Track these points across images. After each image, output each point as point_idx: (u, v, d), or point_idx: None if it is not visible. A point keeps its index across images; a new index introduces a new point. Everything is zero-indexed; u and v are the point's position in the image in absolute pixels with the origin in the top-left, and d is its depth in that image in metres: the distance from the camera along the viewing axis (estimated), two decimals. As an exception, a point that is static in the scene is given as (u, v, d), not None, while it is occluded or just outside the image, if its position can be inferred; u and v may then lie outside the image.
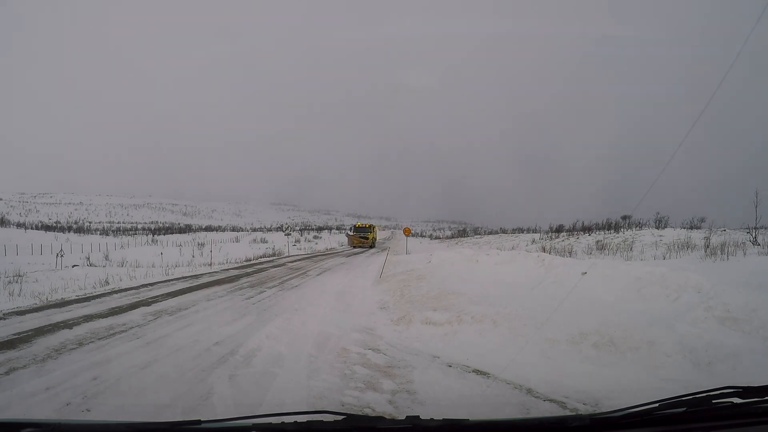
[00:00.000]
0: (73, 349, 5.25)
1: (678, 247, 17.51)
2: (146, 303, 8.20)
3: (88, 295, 9.12)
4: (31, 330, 6.10)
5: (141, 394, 3.99)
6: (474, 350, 5.48)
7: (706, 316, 6.32)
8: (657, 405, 1.59)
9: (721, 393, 1.61)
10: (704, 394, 1.62)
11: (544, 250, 23.58)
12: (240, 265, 18.78)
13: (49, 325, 6.43)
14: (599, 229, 30.61)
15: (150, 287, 10.43)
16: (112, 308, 7.69)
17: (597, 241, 26.22)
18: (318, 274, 14.68)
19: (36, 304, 8.32)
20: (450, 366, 4.98)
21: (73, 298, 8.86)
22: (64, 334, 5.89)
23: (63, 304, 8.17)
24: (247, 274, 14.01)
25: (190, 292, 9.74)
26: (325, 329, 6.48)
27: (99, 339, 5.70)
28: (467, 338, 5.86)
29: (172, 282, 11.57)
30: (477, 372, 4.77)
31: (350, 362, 4.98)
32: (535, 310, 6.66)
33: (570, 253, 21.66)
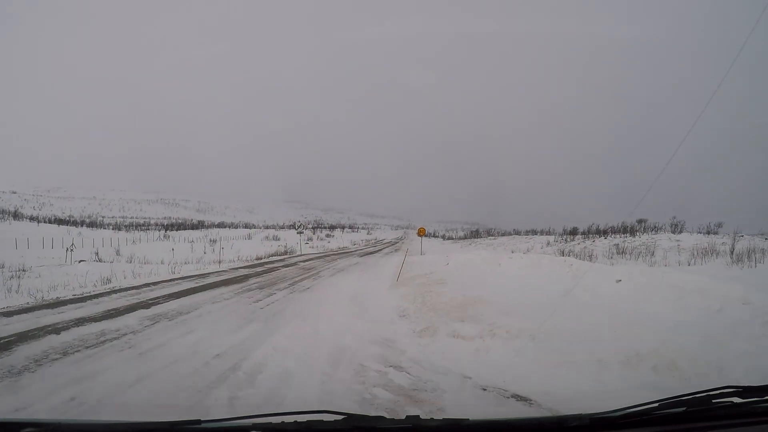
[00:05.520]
0: (56, 359, 4.63)
1: (701, 252, 16.89)
2: (146, 305, 7.57)
3: (85, 295, 8.54)
4: (14, 335, 5.50)
5: (127, 416, 3.38)
6: (511, 371, 4.73)
7: (764, 333, 5.55)
8: (657, 405, 1.58)
9: (721, 393, 1.60)
10: (704, 394, 1.60)
11: (563, 253, 22.78)
12: (250, 263, 18.21)
13: (36, 329, 5.83)
14: (614, 233, 30.05)
15: (152, 287, 9.83)
16: (108, 310, 7.07)
17: (615, 245, 25.48)
18: (331, 275, 14.01)
19: (29, 303, 7.76)
20: (485, 389, 4.24)
21: (69, 297, 8.29)
22: (49, 341, 5.27)
23: (57, 304, 7.58)
24: (257, 274, 13.38)
25: (194, 293, 9.10)
26: (340, 340, 5.78)
27: (86, 348, 5.07)
28: (502, 356, 5.12)
29: (177, 281, 10.97)
30: (517, 397, 4.02)
31: (369, 383, 4.26)
32: (574, 324, 5.91)
33: (590, 257, 20.93)
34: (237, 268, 15.28)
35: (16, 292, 9.55)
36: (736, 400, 1.58)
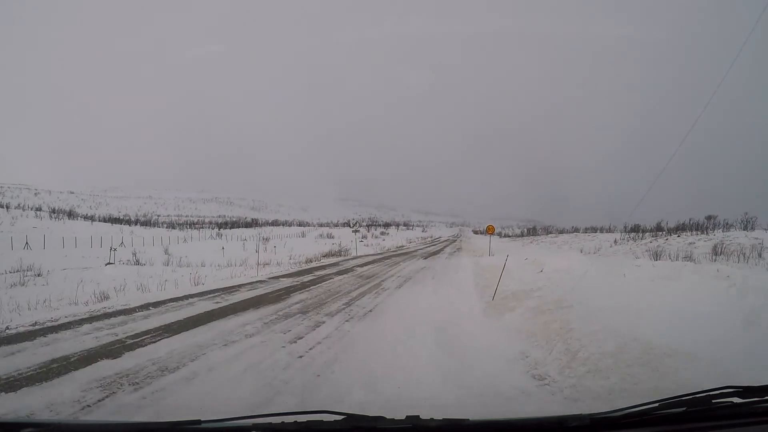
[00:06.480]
0: None
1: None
2: (117, 350, 4.73)
3: (46, 326, 5.75)
4: None
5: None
6: None
7: None
8: (657, 405, 1.54)
9: (721, 393, 1.56)
10: (704, 394, 1.57)
11: (656, 255, 19.10)
12: (297, 269, 15.38)
13: None
14: (682, 230, 28.09)
15: (151, 310, 6.98)
16: (51, 362, 4.28)
17: (690, 243, 22.01)
18: (397, 287, 10.88)
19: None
20: None
21: (23, 329, 5.58)
22: None
23: (-9, 344, 4.96)
24: (303, 287, 10.44)
25: (205, 323, 6.19)
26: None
27: None
28: None
29: (190, 300, 8.07)
30: None
31: None
32: None
33: (689, 258, 17.38)
34: (278, 277, 12.39)
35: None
36: (736, 400, 1.54)
